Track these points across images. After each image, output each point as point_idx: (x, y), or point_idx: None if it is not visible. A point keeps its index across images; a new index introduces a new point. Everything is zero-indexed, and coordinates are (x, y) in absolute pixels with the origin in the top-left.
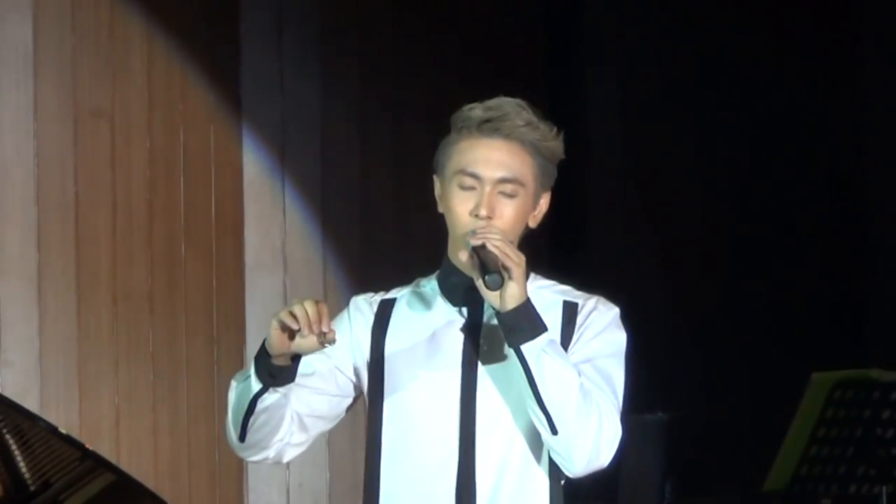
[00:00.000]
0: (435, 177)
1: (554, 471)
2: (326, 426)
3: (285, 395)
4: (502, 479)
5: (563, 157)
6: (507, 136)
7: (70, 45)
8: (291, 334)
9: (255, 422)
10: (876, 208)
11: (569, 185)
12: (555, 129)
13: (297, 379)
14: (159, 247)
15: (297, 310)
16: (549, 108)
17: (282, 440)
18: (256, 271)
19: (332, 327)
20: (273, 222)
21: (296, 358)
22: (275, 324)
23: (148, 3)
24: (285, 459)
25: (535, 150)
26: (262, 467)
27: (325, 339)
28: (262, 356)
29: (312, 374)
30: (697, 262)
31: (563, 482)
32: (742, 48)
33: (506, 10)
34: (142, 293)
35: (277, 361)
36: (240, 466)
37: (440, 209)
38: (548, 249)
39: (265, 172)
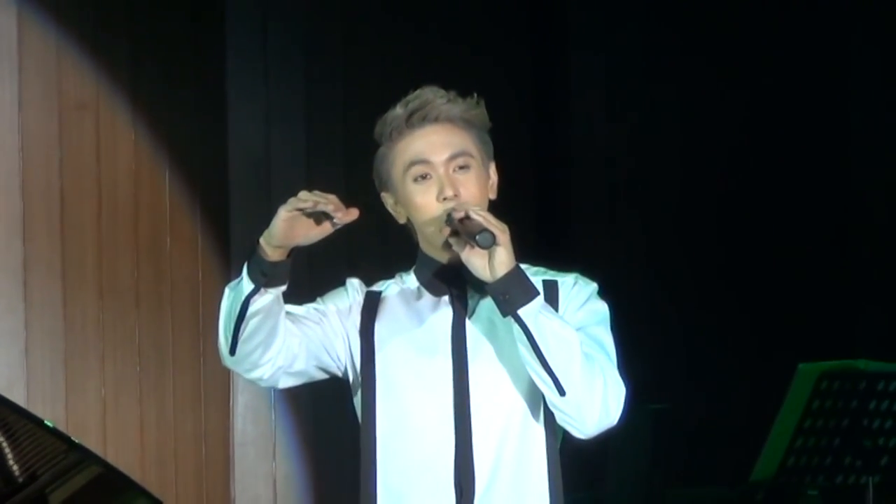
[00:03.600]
0: (383, 194)
1: (551, 440)
2: (310, 365)
3: (278, 301)
4: (501, 455)
5: (490, 124)
6: (436, 118)
7: (54, 38)
8: (311, 217)
9: (246, 328)
10: (865, 197)
11: (554, 174)
12: (475, 99)
13: (302, 319)
14: (145, 240)
15: (311, 196)
16: (534, 97)
17: (273, 360)
18: (242, 264)
19: (332, 303)
20: (258, 215)
21: (290, 255)
22: (285, 213)
23: None
24: (280, 385)
25: (466, 122)
26: (247, 459)
27: (339, 220)
28: (256, 256)
29: (315, 322)
30: (684, 252)
31: (559, 447)
32: (728, 34)
33: (491, 1)
34: (128, 286)
35: (273, 256)
36: (226, 459)
37: (401, 221)
38: (533, 239)
39: (250, 165)
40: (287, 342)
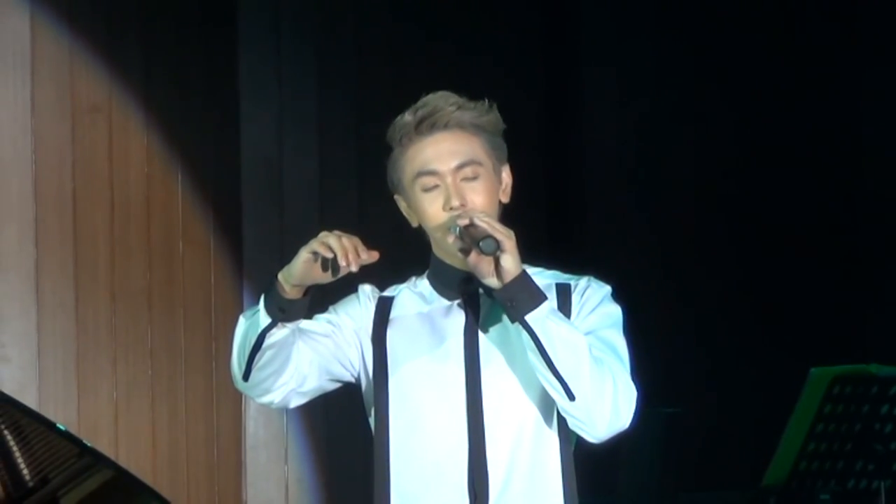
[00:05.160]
0: (396, 197)
1: (564, 444)
2: (322, 380)
3: (293, 333)
4: (515, 460)
5: (504, 126)
6: (446, 125)
7: (67, 41)
8: (324, 266)
9: (261, 359)
10: (877, 202)
11: (567, 181)
12: (486, 104)
13: (313, 336)
14: (157, 243)
15: (333, 242)
16: (546, 106)
17: (286, 384)
18: (254, 267)
19: (345, 312)
20: (271, 218)
21: (307, 292)
22: (306, 255)
23: None
24: (292, 405)
25: (477, 128)
26: (259, 462)
27: (360, 262)
28: (273, 291)
29: (325, 335)
30: (696, 257)
31: (573, 450)
32: (739, 44)
33: (504, 8)
34: (140, 289)
35: (291, 294)
36: (238, 462)
37: (413, 224)
38: (546, 244)
39: (263, 169)
40: (298, 366)
